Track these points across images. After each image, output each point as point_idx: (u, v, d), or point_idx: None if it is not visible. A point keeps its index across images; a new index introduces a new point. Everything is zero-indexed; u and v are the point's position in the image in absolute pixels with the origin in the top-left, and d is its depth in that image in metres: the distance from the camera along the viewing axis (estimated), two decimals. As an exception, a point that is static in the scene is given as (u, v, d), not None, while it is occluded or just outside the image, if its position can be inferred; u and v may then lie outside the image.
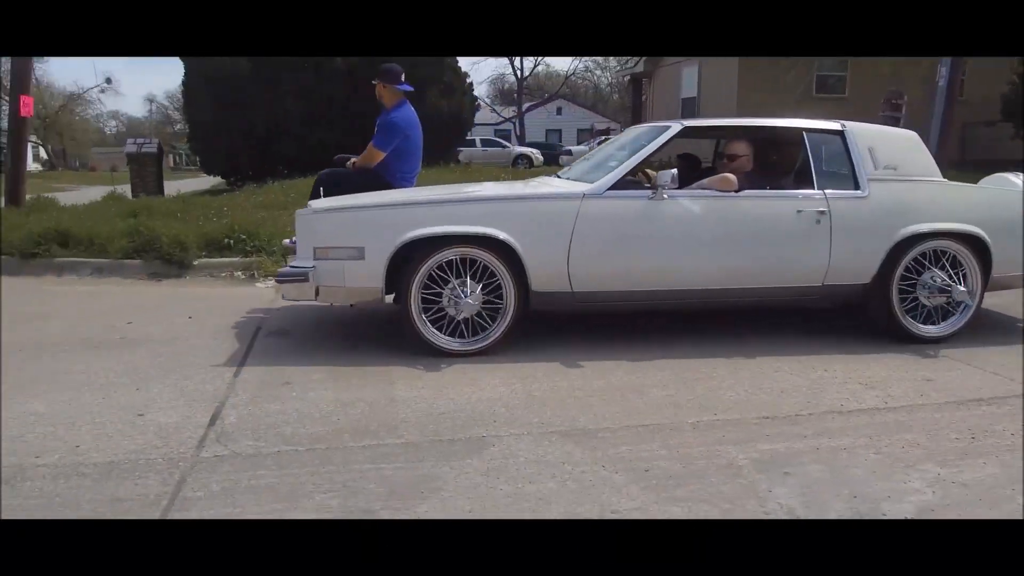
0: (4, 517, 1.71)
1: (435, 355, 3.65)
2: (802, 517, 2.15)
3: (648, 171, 4.16)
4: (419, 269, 3.64)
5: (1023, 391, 3.24)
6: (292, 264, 3.85)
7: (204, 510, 2.16)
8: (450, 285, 3.66)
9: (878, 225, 3.95)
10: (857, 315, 4.22)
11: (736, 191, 3.93)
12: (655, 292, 3.91)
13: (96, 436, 2.69)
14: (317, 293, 3.74)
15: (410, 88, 5.00)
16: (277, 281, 3.94)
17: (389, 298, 3.85)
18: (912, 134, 4.37)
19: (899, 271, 3.98)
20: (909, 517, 2.13)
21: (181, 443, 2.64)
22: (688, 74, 18.97)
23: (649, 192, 3.81)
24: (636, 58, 22.60)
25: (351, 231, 3.73)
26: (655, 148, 4.00)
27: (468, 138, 22.53)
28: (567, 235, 3.71)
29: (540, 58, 41.01)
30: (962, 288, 4.00)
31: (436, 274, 3.67)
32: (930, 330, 4.06)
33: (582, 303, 3.86)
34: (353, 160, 4.94)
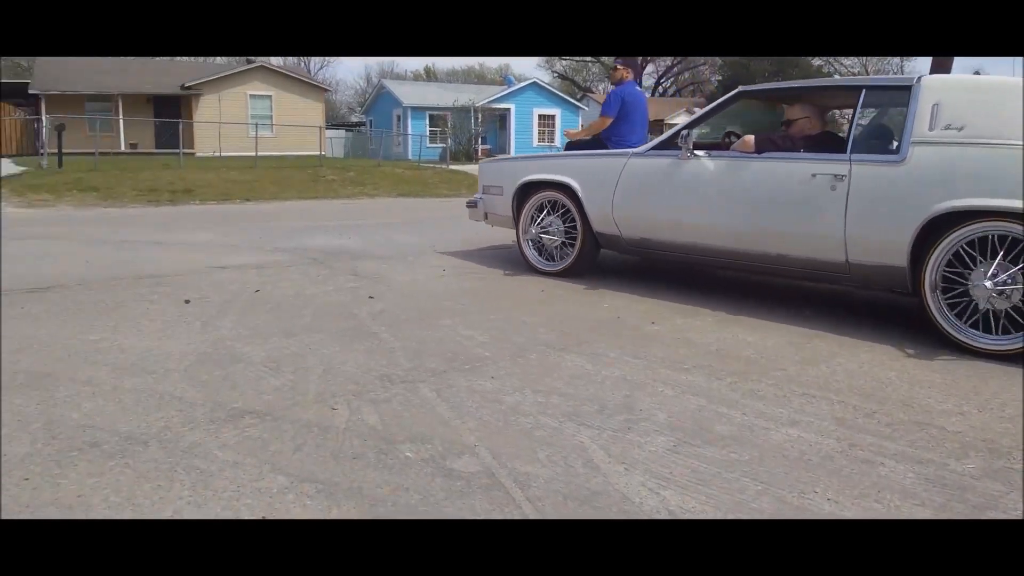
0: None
1: (534, 272, 4.92)
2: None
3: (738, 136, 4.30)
4: (524, 206, 5.02)
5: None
6: (475, 196, 5.54)
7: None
8: (540, 221, 4.87)
9: (907, 196, 3.30)
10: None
11: (756, 152, 3.83)
12: (692, 246, 4.12)
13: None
14: (486, 216, 5.39)
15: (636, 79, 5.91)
16: (466, 206, 5.64)
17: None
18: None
19: (936, 255, 3.25)
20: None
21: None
22: None
23: (680, 151, 4.05)
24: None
25: (498, 176, 5.28)
26: (707, 111, 4.36)
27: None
28: (612, 186, 4.43)
29: None
30: (985, 283, 3.06)
31: (534, 215, 4.96)
32: (985, 341, 3.15)
33: (634, 247, 4.51)
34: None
